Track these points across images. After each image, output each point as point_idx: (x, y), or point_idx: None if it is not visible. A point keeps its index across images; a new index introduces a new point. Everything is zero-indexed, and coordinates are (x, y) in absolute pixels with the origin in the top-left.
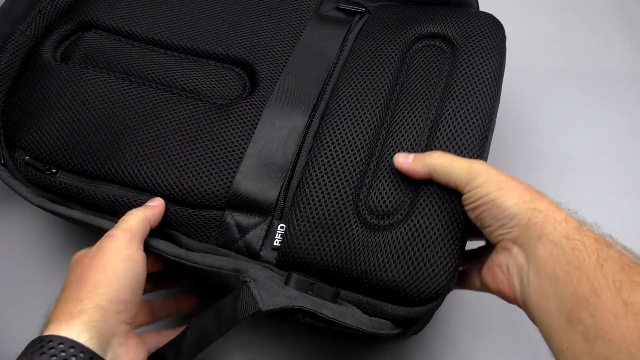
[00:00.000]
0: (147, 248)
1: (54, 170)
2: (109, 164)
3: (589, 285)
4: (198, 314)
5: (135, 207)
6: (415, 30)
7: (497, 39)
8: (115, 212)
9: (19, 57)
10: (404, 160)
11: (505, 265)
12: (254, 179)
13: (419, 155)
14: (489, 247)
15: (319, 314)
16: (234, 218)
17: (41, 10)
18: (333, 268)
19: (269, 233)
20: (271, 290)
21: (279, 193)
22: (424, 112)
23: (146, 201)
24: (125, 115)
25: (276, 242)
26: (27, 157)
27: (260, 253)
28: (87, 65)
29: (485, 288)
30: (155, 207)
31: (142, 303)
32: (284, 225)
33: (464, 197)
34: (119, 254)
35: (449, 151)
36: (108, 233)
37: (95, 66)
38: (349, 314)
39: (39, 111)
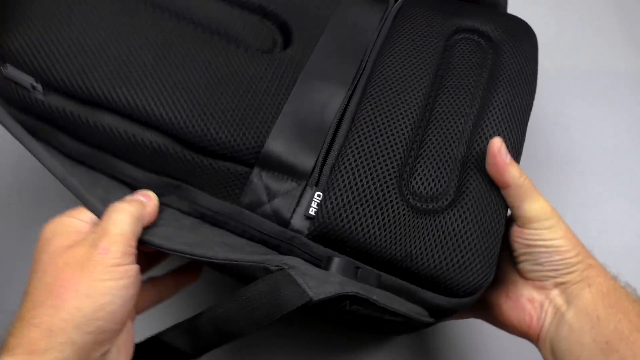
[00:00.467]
0: (139, 244)
1: (40, 89)
2: (118, 90)
3: (632, 326)
4: (212, 306)
5: (136, 145)
6: (455, 21)
7: (533, 42)
8: (113, 150)
9: None
10: (504, 156)
11: (539, 302)
12: (289, 139)
13: (513, 161)
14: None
15: (371, 300)
16: (262, 178)
17: None
18: (375, 247)
19: (302, 200)
20: (317, 277)
21: (317, 158)
22: (469, 99)
23: (152, 138)
24: (142, 42)
25: (311, 210)
26: (7, 67)
27: (291, 221)
28: None
29: (489, 316)
30: (148, 204)
31: (145, 283)
32: (320, 193)
33: (523, 231)
34: (110, 274)
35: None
36: (96, 242)
37: None
38: (395, 300)
39: (29, 18)
